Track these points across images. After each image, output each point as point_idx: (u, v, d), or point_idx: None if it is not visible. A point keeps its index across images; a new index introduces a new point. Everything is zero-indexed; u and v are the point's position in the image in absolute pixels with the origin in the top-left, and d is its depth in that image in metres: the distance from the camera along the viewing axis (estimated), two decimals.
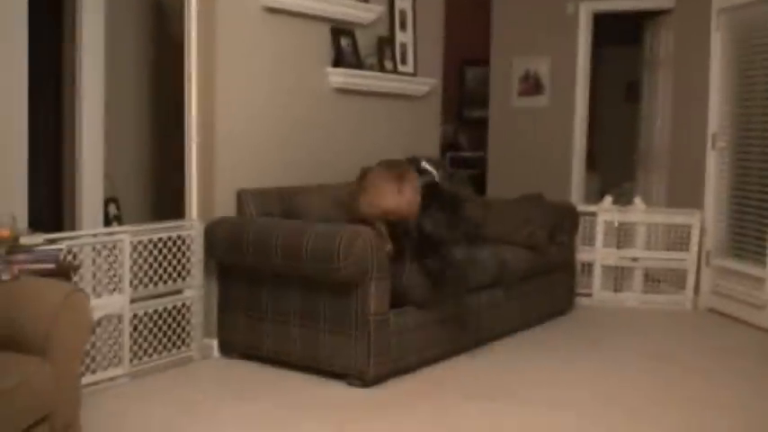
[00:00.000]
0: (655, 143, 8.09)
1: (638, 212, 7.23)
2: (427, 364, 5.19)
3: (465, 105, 11.16)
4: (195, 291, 5.24)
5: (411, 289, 4.99)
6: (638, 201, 7.37)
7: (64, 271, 4.22)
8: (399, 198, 5.02)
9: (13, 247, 4.08)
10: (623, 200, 7.65)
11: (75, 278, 4.41)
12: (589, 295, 7.22)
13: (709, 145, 7.07)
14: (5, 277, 3.44)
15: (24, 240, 4.19)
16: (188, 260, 5.18)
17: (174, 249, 5.10)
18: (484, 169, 8.68)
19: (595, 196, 8.28)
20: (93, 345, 4.66)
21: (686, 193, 7.33)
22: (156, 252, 4.99)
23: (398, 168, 5.17)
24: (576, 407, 4.55)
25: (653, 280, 7.29)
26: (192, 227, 5.21)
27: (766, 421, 4.41)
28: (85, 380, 4.45)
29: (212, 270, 5.34)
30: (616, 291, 7.26)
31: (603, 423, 4.31)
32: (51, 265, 4.15)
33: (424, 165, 5.53)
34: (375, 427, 4.18)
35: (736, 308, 6.68)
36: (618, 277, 7.28)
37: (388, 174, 5.09)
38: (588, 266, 7.26)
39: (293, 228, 4.93)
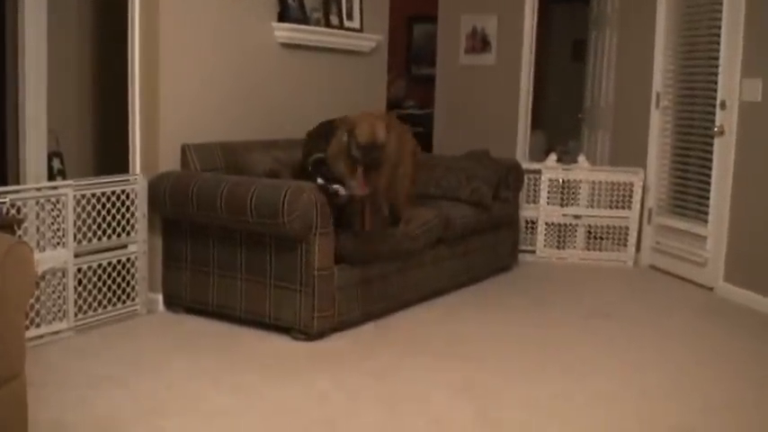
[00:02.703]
0: (600, 102, 8.17)
1: (582, 170, 7.32)
2: (371, 318, 5.24)
3: (412, 62, 11.17)
4: (140, 245, 5.23)
5: None
6: (581, 159, 7.45)
7: (7, 225, 4.19)
8: None
9: None
10: (568, 158, 7.73)
11: (19, 232, 4.39)
12: (533, 252, 7.32)
13: (653, 104, 7.16)
14: None
15: None
16: (132, 215, 5.17)
17: (118, 204, 5.08)
18: (431, 126, 8.71)
19: (541, 154, 8.36)
20: (38, 299, 4.65)
21: (630, 152, 7.43)
22: (99, 207, 4.98)
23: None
24: (515, 363, 4.63)
25: (595, 237, 7.40)
26: (136, 181, 5.19)
27: (701, 378, 4.53)
28: (30, 333, 4.44)
29: (157, 225, 5.33)
30: (559, 248, 7.36)
31: (541, 379, 4.40)
32: None
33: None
34: (318, 381, 4.22)
35: (677, 265, 6.81)
36: (561, 234, 7.38)
37: None
38: (532, 224, 7.35)
39: (238, 182, 4.93)
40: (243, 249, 4.99)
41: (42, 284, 4.69)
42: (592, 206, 7.31)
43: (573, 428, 3.75)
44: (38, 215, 4.68)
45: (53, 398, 3.85)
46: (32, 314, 4.60)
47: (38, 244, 4.64)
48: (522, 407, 3.97)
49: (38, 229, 4.68)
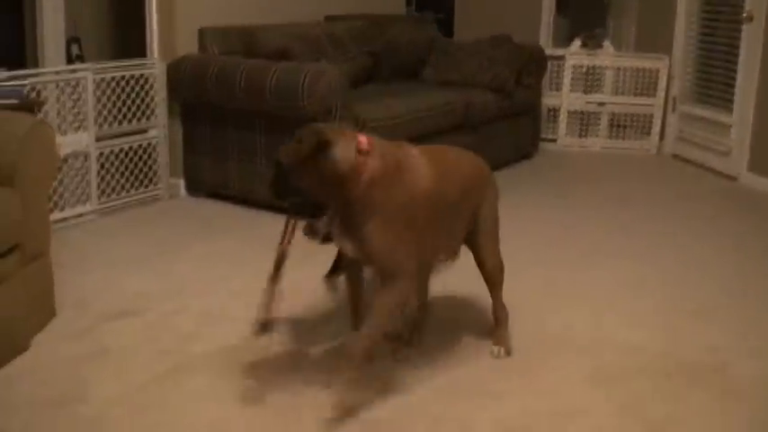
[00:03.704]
0: None
1: (607, 56, 7.21)
2: None
3: None
4: (160, 130, 5.23)
5: None
6: (607, 44, 7.34)
7: (28, 107, 4.19)
8: None
9: None
10: (593, 44, 7.61)
11: (40, 115, 4.39)
12: (554, 140, 7.27)
13: None
14: None
15: None
16: (152, 99, 5.15)
17: (138, 88, 5.06)
18: (451, 11, 8.57)
19: (565, 42, 8.23)
20: (61, 181, 4.68)
21: (655, 39, 7.30)
22: (119, 90, 4.96)
23: None
24: (536, 249, 4.65)
25: (618, 125, 7.33)
26: (154, 65, 5.16)
27: (722, 265, 4.53)
28: (54, 216, 4.49)
29: (176, 110, 5.32)
30: (581, 136, 7.30)
31: (562, 265, 4.42)
32: (15, 101, 4.12)
33: None
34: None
35: (701, 154, 6.75)
36: (584, 122, 7.31)
37: None
38: (554, 111, 7.29)
39: (257, 65, 4.89)
40: (262, 134, 4.97)
41: (65, 168, 4.71)
42: (616, 93, 7.21)
43: (594, 312, 3.78)
44: (58, 99, 4.68)
45: (79, 278, 3.91)
46: (56, 197, 4.63)
47: (59, 128, 4.64)
48: (542, 292, 4.00)
49: (58, 113, 4.68)
